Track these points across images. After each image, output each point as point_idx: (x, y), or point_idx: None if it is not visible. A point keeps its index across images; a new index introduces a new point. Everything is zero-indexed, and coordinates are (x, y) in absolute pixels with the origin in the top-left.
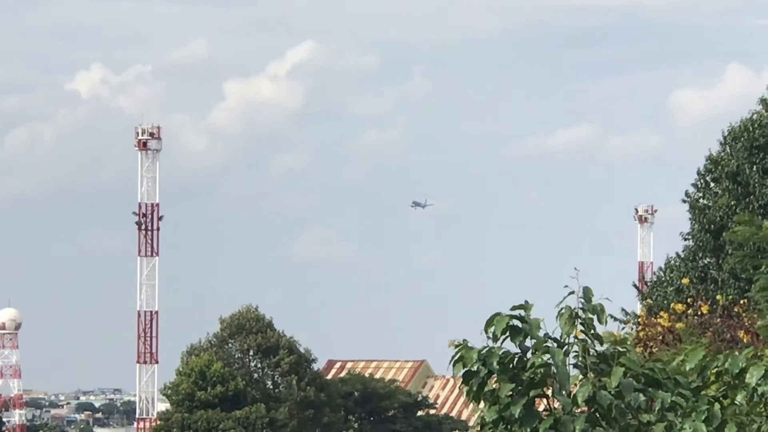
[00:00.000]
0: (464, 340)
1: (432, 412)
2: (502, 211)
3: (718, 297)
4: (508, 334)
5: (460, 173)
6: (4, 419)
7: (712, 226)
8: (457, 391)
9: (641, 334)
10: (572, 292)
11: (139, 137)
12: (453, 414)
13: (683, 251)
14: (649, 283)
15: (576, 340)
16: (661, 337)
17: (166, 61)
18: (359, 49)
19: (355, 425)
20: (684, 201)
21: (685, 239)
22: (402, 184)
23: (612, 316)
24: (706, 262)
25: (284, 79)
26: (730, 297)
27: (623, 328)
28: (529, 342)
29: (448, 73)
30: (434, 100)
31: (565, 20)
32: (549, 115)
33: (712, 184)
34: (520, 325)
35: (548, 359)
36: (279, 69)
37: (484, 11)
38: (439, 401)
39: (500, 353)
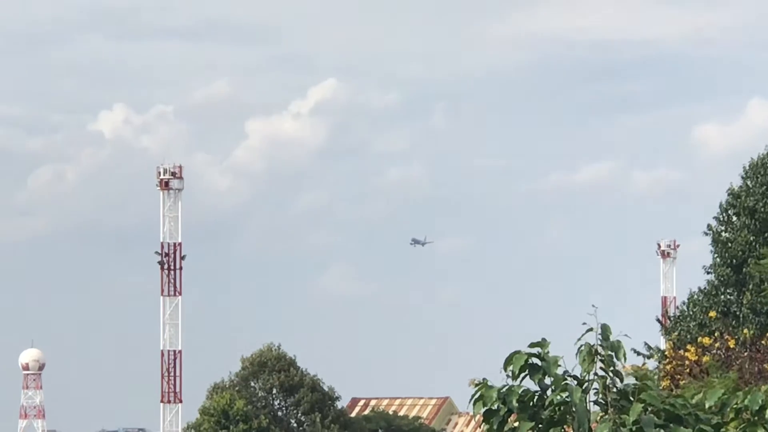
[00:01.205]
0: (484, 379)
1: None
2: (524, 247)
3: (744, 331)
4: (527, 372)
5: (481, 209)
6: None
7: (734, 260)
8: (481, 428)
9: (668, 367)
10: (590, 329)
11: (161, 177)
12: None
13: (706, 286)
14: (672, 318)
15: (596, 377)
16: (688, 371)
17: (188, 101)
18: (381, 86)
19: None
20: (706, 234)
21: (708, 272)
22: (424, 221)
23: (635, 351)
24: (727, 297)
25: (307, 117)
26: (752, 332)
27: (644, 363)
28: (548, 380)
29: (468, 110)
30: (455, 136)
31: (585, 55)
32: (570, 150)
33: (734, 218)
34: (539, 362)
35: (567, 397)
36: (301, 107)
37: (504, 46)
38: None
39: (520, 391)
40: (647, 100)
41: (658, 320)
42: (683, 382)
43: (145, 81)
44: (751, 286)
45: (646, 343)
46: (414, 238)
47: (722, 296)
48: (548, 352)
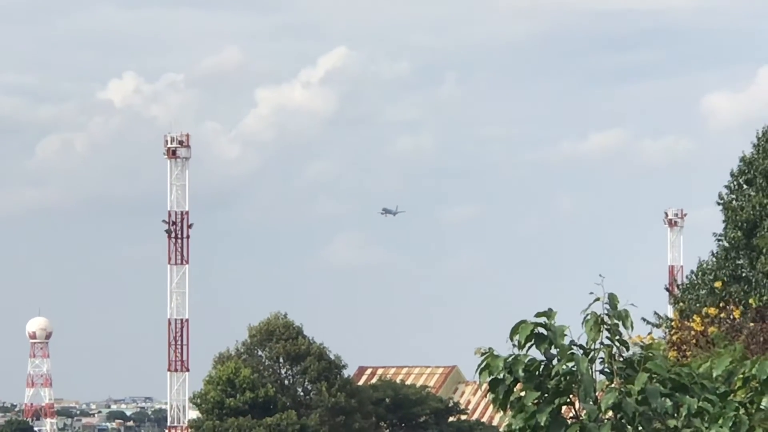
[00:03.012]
0: (490, 348)
1: (463, 418)
2: (533, 215)
3: (751, 300)
4: (533, 341)
5: (489, 178)
6: (36, 428)
7: (746, 225)
8: (487, 397)
9: (674, 337)
10: (597, 299)
11: (169, 145)
12: (484, 420)
13: (716, 252)
14: (681, 287)
15: (602, 347)
16: (694, 341)
17: (198, 69)
18: (391, 55)
19: (387, 431)
20: (718, 203)
21: (718, 240)
22: (433, 190)
23: (644, 320)
24: (739, 262)
25: (317, 85)
26: (765, 298)
27: (650, 333)
28: (554, 349)
29: (478, 79)
30: (465, 105)
31: (595, 24)
32: (580, 119)
33: (745, 186)
34: (544, 332)
35: (573, 366)
36: (311, 76)
37: (513, 16)
38: (471, 407)
39: (526, 361)
40: (656, 70)
41: (666, 289)
42: (689, 353)
43: (155, 49)
44: (765, 251)
45: (655, 312)
46: (385, 207)
47: (732, 262)
48: (554, 322)
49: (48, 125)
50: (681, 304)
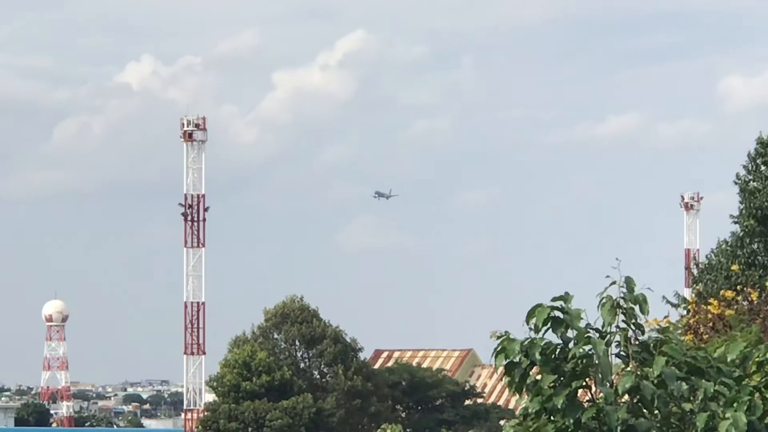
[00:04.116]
0: (506, 332)
1: (479, 401)
2: (550, 198)
3: (767, 284)
4: (549, 325)
5: (508, 161)
6: (52, 411)
7: (760, 211)
8: (503, 380)
9: (692, 320)
10: (614, 282)
11: (185, 128)
12: (500, 403)
13: (732, 236)
14: (699, 266)
15: (618, 330)
16: (711, 324)
17: (216, 52)
18: (408, 38)
19: (403, 414)
20: (735, 183)
21: (735, 222)
22: (450, 173)
23: (665, 298)
24: (754, 247)
25: (334, 69)
26: None
27: (666, 316)
28: (570, 333)
29: (496, 62)
30: (483, 88)
31: (612, 7)
32: (597, 102)
33: (762, 168)
34: (561, 316)
35: (590, 350)
36: (329, 59)
37: None
38: (487, 390)
39: (542, 344)
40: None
41: (687, 269)
42: (706, 336)
43: (173, 32)
44: None
45: (676, 292)
46: (377, 191)
47: (747, 247)
48: (571, 306)
49: (65, 108)
50: (699, 285)
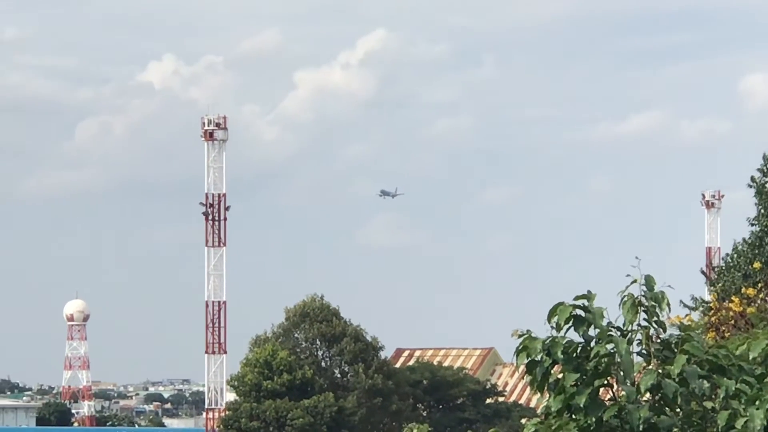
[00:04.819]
0: (528, 330)
1: (501, 399)
2: (571, 197)
3: None
4: (571, 323)
5: (528, 159)
6: (73, 410)
7: None
8: (524, 378)
9: (713, 319)
10: (635, 281)
11: (206, 127)
12: (522, 401)
13: (750, 236)
14: (716, 269)
15: (639, 328)
16: (733, 322)
17: (237, 51)
18: (429, 37)
19: (424, 413)
20: (750, 186)
21: (752, 224)
22: (471, 172)
23: (682, 302)
24: None
25: (356, 67)
26: None
27: (687, 315)
28: (592, 331)
29: (517, 60)
30: (503, 86)
31: (634, 4)
32: (618, 100)
33: None
34: (583, 314)
35: (612, 348)
36: (350, 58)
37: None
38: (508, 389)
39: (564, 343)
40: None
41: (702, 272)
42: (728, 334)
43: (194, 31)
44: None
45: (692, 296)
46: (383, 189)
47: (766, 246)
48: (593, 304)
49: (87, 108)
50: (718, 285)
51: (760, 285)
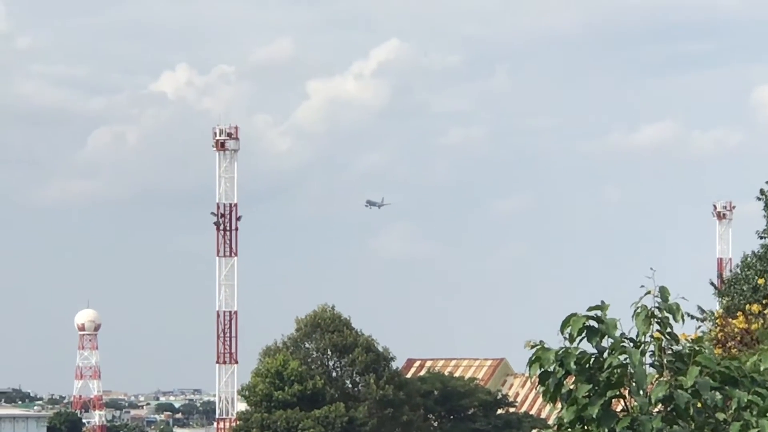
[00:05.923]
0: (541, 341)
1: (512, 410)
2: (583, 207)
3: None
4: (584, 334)
5: (541, 169)
6: (84, 420)
7: None
8: (537, 389)
9: (719, 334)
10: (648, 292)
11: (217, 138)
12: (533, 412)
13: (759, 249)
14: (726, 281)
15: (652, 340)
16: (739, 338)
17: (250, 61)
18: (442, 47)
19: (435, 424)
20: (759, 198)
21: (761, 237)
22: (483, 182)
23: (689, 314)
24: None
25: (369, 77)
26: None
27: (699, 327)
28: (605, 342)
29: (529, 70)
30: (516, 96)
31: (645, 15)
32: (630, 111)
33: None
34: (596, 325)
35: (625, 359)
36: (364, 68)
37: (564, 7)
38: (519, 399)
39: (577, 354)
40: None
41: (711, 283)
42: (734, 350)
43: (207, 41)
44: None
45: (699, 307)
46: (369, 200)
47: None
48: (606, 315)
49: (100, 117)
50: (726, 298)
51: (765, 300)
